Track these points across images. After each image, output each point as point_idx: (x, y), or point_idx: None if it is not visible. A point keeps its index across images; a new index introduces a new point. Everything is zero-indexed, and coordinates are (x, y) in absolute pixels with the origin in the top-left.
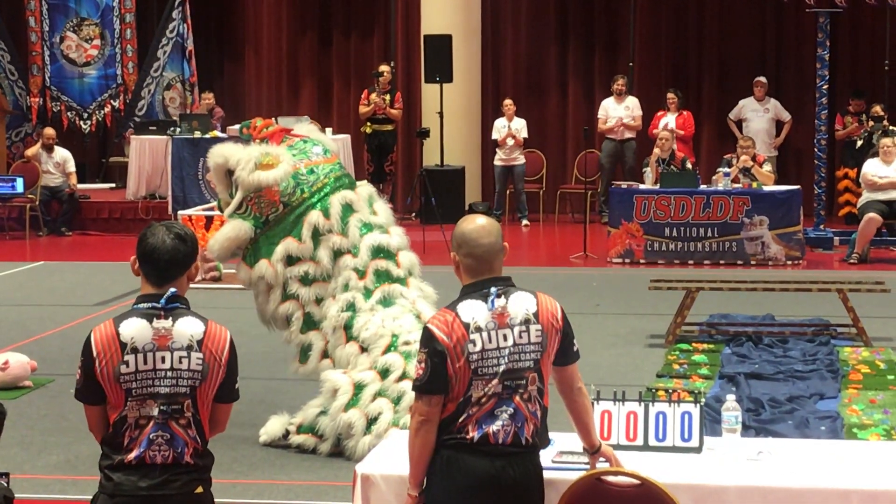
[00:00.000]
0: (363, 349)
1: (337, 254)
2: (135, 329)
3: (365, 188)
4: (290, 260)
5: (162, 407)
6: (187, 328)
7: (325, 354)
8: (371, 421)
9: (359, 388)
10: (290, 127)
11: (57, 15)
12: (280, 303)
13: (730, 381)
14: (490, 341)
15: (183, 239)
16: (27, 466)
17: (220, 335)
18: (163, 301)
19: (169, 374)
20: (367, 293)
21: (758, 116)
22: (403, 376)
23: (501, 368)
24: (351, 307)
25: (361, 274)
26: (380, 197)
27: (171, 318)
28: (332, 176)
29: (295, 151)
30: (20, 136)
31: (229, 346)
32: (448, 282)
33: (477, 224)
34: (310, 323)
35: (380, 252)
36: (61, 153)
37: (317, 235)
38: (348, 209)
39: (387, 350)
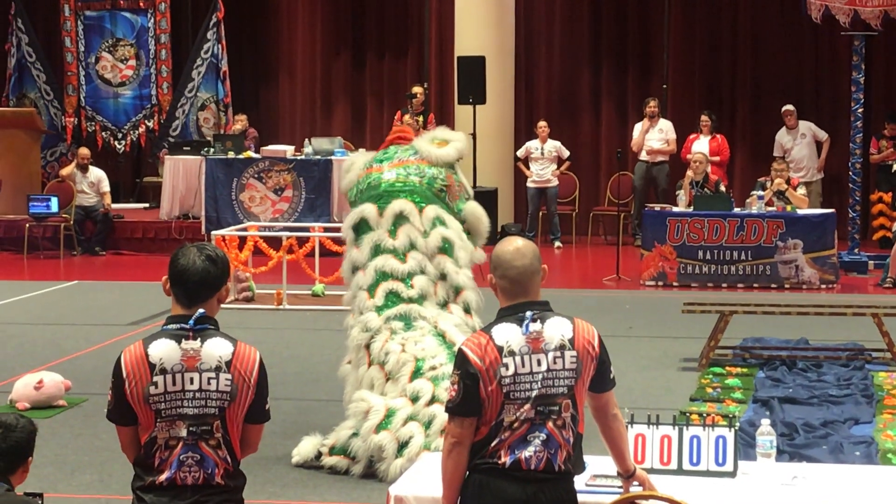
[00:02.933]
0: (388, 377)
1: (354, 268)
2: (164, 350)
3: (399, 204)
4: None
5: (191, 428)
6: (216, 349)
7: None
8: (402, 444)
9: (391, 411)
10: (411, 138)
11: (93, 35)
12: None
13: (763, 406)
14: (523, 366)
15: (214, 261)
16: (61, 486)
17: (249, 356)
18: (191, 322)
19: (197, 395)
20: (379, 311)
21: (796, 144)
22: (433, 400)
23: (534, 393)
24: (367, 328)
25: (372, 293)
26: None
27: (199, 339)
28: (372, 184)
29: (369, 160)
30: (55, 156)
31: (258, 366)
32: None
33: (512, 246)
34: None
35: (386, 276)
36: (96, 173)
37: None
38: (366, 225)
39: (413, 376)
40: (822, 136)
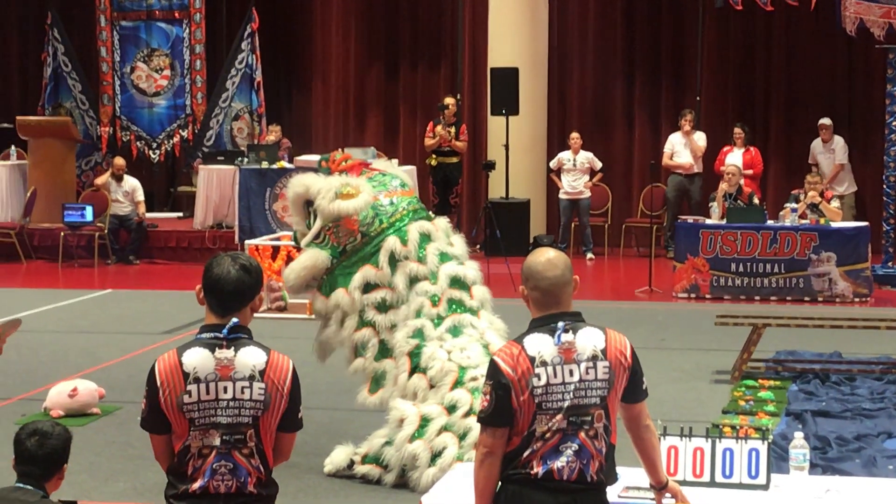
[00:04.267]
0: (431, 385)
1: (413, 280)
2: (197, 359)
3: (442, 221)
4: (367, 287)
5: (224, 437)
6: (249, 358)
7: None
8: (436, 454)
9: (425, 420)
10: (369, 161)
11: (128, 45)
12: (355, 330)
13: (796, 419)
14: (555, 376)
15: (248, 270)
16: (94, 493)
17: (283, 365)
18: (225, 331)
19: (231, 404)
20: (438, 321)
21: (826, 159)
22: (470, 412)
23: (566, 404)
24: (419, 334)
25: (435, 301)
26: (453, 231)
27: (233, 348)
28: (410, 208)
29: (375, 183)
30: (90, 165)
31: (292, 375)
32: (512, 315)
33: (544, 257)
34: (384, 351)
35: (456, 282)
36: (130, 182)
37: (394, 262)
38: (426, 238)
39: (454, 386)
40: (840, 158)
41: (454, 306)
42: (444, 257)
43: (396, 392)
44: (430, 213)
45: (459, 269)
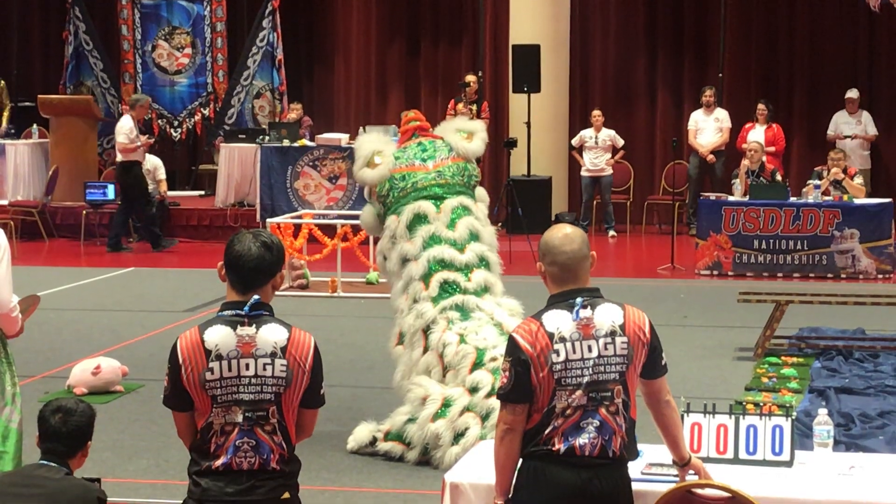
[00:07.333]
0: (445, 367)
1: (404, 260)
2: (219, 336)
3: (449, 203)
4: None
5: (247, 413)
6: (271, 335)
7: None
8: (459, 434)
9: (448, 401)
10: (428, 126)
11: (149, 24)
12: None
13: (820, 396)
14: (574, 352)
15: (269, 247)
16: (118, 470)
17: (304, 341)
18: (246, 308)
19: (253, 380)
20: (435, 301)
21: (850, 130)
22: (492, 393)
23: (585, 380)
24: (422, 317)
25: (427, 283)
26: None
27: (254, 326)
28: (420, 185)
29: (401, 155)
30: (112, 144)
31: (313, 352)
32: (534, 292)
33: (561, 233)
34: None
35: (443, 265)
36: (152, 160)
37: (393, 239)
38: (421, 219)
39: (473, 368)
40: (869, 132)
41: (450, 288)
42: (434, 240)
43: (408, 362)
44: (452, 190)
45: (446, 252)
